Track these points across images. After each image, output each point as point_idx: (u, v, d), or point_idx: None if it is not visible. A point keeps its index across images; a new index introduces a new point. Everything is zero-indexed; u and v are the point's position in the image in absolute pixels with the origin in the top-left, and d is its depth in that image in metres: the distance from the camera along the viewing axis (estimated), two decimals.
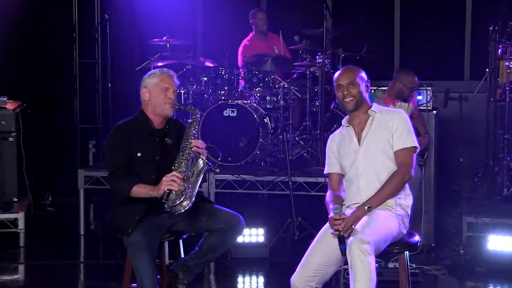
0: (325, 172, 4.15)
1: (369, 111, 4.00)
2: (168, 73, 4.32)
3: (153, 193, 4.05)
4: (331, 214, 3.79)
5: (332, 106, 6.67)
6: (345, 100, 3.97)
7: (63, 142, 8.18)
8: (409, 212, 3.97)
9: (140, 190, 4.08)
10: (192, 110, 4.31)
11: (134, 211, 4.14)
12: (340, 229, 3.70)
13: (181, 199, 4.03)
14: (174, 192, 4.03)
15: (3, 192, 6.54)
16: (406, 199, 3.97)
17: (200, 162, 4.13)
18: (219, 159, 4.28)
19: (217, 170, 4.27)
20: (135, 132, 4.23)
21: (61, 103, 8.23)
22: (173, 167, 4.11)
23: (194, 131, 4.21)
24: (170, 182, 4.00)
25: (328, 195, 4.05)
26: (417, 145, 3.98)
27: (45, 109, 7.79)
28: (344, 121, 4.10)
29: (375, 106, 4.05)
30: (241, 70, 7.19)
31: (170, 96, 4.24)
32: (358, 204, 3.87)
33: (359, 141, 3.98)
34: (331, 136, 4.19)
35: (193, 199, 4.08)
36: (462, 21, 8.59)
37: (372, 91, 6.69)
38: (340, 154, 4.05)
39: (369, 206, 3.80)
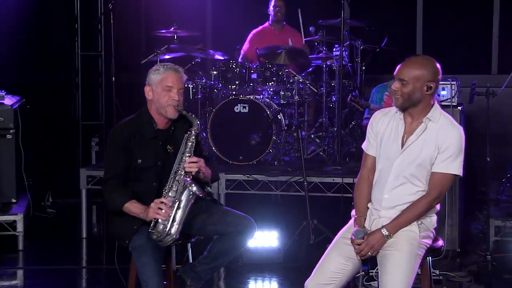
0: (364, 149, 3.99)
1: (424, 118, 3.80)
2: (173, 69, 4.22)
3: (143, 215, 4.07)
4: (351, 234, 3.79)
5: (348, 99, 6.63)
6: (393, 94, 3.84)
7: (64, 140, 8.22)
8: (432, 228, 3.90)
9: (132, 209, 4.10)
10: (192, 119, 4.20)
11: (132, 220, 4.14)
12: (356, 252, 3.76)
13: (166, 231, 4.02)
14: (160, 221, 4.03)
15: (1, 192, 6.56)
16: (431, 215, 3.88)
17: (185, 194, 4.07)
18: (208, 188, 4.25)
19: (208, 198, 4.30)
20: (136, 135, 4.20)
21: (62, 98, 8.27)
22: (163, 190, 4.11)
23: (190, 147, 4.12)
24: (157, 210, 4.01)
25: (358, 183, 3.94)
26: (461, 173, 3.81)
27: (45, 105, 7.83)
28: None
29: (434, 111, 3.82)
30: (250, 62, 7.20)
31: (174, 97, 4.15)
32: (377, 216, 3.85)
33: (402, 145, 3.83)
34: (379, 112, 3.99)
35: (178, 233, 4.04)
36: (489, 11, 8.55)
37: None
38: (381, 142, 3.90)
39: (389, 234, 3.75)
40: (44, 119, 7.79)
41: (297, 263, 5.81)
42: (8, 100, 6.68)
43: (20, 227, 6.28)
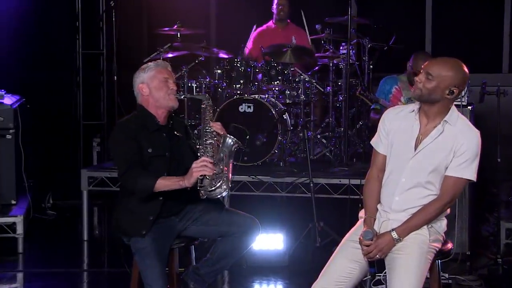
0: (373, 145, 3.97)
1: (442, 121, 3.80)
2: (162, 64, 4.40)
3: (183, 183, 4.07)
4: (360, 234, 3.79)
5: (358, 92, 6.59)
6: (414, 84, 3.83)
7: (65, 140, 8.22)
8: (442, 232, 3.90)
9: (166, 183, 4.10)
10: (201, 96, 4.48)
11: (146, 212, 4.16)
12: (364, 254, 3.76)
13: (218, 183, 4.12)
14: (208, 177, 4.09)
15: (0, 194, 6.57)
16: (441, 219, 3.87)
17: (229, 141, 4.22)
18: (247, 137, 4.36)
19: (247, 150, 4.37)
20: (141, 127, 4.25)
21: (63, 98, 8.27)
22: (199, 154, 4.19)
23: (210, 116, 4.29)
24: (202, 167, 4.04)
25: (367, 182, 3.92)
26: (475, 179, 3.81)
27: (45, 104, 7.83)
28: (416, 106, 3.88)
29: (452, 114, 3.83)
30: (257, 62, 7.20)
31: (172, 87, 4.30)
32: (386, 218, 3.83)
33: (416, 147, 3.81)
34: (392, 110, 3.97)
35: (230, 183, 4.18)
36: (500, 7, 8.54)
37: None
38: (392, 142, 3.88)
39: (399, 238, 3.75)
40: (45, 119, 7.79)
41: (302, 266, 5.80)
42: (8, 100, 6.69)
43: (20, 229, 6.29)
